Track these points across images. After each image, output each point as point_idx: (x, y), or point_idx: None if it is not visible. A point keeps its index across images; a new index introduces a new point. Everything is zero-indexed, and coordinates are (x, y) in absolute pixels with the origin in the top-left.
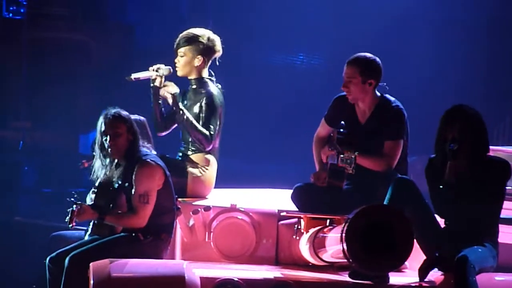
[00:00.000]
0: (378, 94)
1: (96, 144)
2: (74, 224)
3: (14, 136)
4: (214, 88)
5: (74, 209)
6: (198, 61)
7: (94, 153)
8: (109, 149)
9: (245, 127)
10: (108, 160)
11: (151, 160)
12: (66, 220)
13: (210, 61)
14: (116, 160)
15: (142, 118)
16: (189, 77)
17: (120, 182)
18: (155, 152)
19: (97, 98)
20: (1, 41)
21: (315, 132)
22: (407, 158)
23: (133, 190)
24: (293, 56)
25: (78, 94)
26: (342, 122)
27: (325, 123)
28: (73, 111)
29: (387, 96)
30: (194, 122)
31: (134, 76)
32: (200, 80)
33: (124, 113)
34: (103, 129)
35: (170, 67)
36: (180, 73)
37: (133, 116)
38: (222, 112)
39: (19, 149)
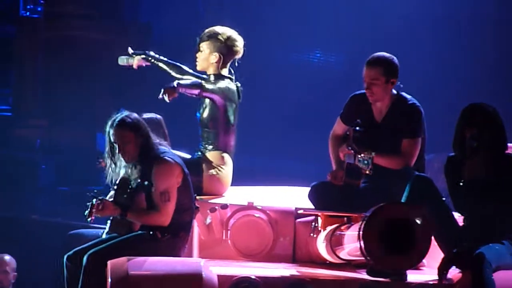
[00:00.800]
0: (395, 92)
1: (106, 151)
2: (93, 218)
3: (32, 134)
4: (229, 83)
5: (94, 203)
6: (214, 57)
7: (107, 158)
8: (120, 156)
9: (262, 125)
10: (121, 163)
11: (169, 157)
12: (85, 214)
13: (230, 61)
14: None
15: (158, 116)
16: (207, 73)
17: (139, 181)
18: (173, 150)
19: (114, 96)
20: (18, 40)
21: (331, 130)
22: (425, 156)
23: (153, 189)
24: (309, 54)
25: (95, 92)
26: (358, 120)
27: (340, 121)
28: (90, 109)
29: (403, 94)
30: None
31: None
32: (216, 77)
33: (131, 118)
34: (111, 137)
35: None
36: (198, 67)
37: (149, 115)
38: (236, 109)
39: (36, 148)
